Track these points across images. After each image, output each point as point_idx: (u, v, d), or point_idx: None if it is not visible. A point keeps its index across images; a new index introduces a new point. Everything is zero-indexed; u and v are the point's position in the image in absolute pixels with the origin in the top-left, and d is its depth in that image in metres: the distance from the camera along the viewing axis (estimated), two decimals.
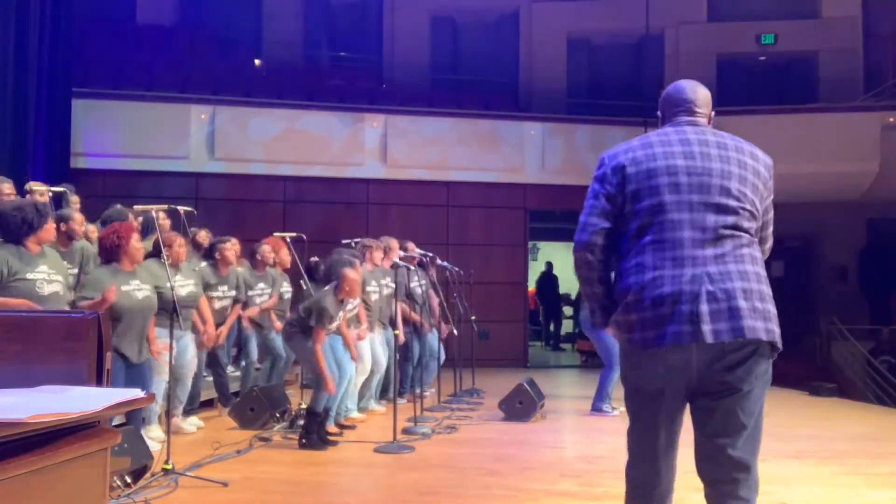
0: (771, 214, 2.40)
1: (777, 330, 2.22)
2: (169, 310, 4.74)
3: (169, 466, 4.30)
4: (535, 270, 15.31)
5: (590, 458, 5.19)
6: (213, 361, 6.36)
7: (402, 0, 14.42)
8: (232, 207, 11.17)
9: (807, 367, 11.93)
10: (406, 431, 5.84)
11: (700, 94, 2.44)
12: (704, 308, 2.14)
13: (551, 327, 15.76)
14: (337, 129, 11.85)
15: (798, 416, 7.50)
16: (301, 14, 14.54)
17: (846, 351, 12.23)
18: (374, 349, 6.42)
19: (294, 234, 7.05)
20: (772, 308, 2.23)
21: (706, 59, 14.18)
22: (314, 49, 14.73)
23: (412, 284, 7.07)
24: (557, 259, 15.53)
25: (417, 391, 6.78)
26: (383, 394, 7.10)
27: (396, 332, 5.93)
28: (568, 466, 4.98)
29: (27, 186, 6.18)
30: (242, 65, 13.71)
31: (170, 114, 11.34)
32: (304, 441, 5.30)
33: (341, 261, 5.53)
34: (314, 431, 5.32)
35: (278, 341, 6.64)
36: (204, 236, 6.80)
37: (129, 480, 4.04)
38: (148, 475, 4.20)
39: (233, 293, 6.29)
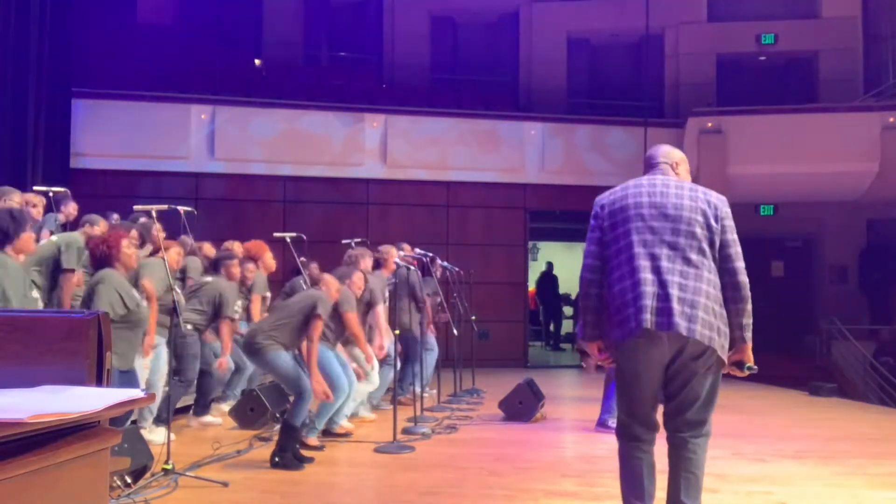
0: (729, 237, 2.91)
1: (700, 330, 2.77)
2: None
3: (169, 466, 4.30)
4: (535, 270, 15.31)
5: (590, 458, 5.19)
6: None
7: (402, 0, 14.42)
8: (232, 207, 11.18)
9: (807, 367, 11.93)
10: (406, 431, 5.83)
11: (665, 150, 3.14)
12: (655, 306, 2.79)
13: (551, 327, 15.75)
14: (337, 129, 11.85)
15: (798, 416, 7.50)
16: (301, 14, 14.54)
17: (846, 351, 12.22)
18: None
19: (294, 235, 7.03)
20: (703, 315, 2.78)
21: (706, 59, 14.19)
22: (314, 49, 14.74)
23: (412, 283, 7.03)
24: (557, 259, 15.53)
25: (417, 391, 6.74)
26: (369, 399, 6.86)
27: (397, 332, 5.92)
28: (568, 466, 4.98)
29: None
30: (242, 65, 13.72)
31: (170, 114, 11.35)
32: (277, 459, 4.73)
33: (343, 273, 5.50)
34: (289, 449, 4.78)
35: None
36: (209, 249, 6.83)
37: (129, 480, 4.04)
38: (148, 475, 4.20)
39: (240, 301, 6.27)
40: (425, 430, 5.92)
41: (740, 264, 2.89)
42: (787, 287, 14.01)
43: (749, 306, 2.89)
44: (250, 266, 6.50)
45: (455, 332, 7.21)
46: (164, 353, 5.36)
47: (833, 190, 12.16)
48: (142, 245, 5.65)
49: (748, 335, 2.89)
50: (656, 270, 2.82)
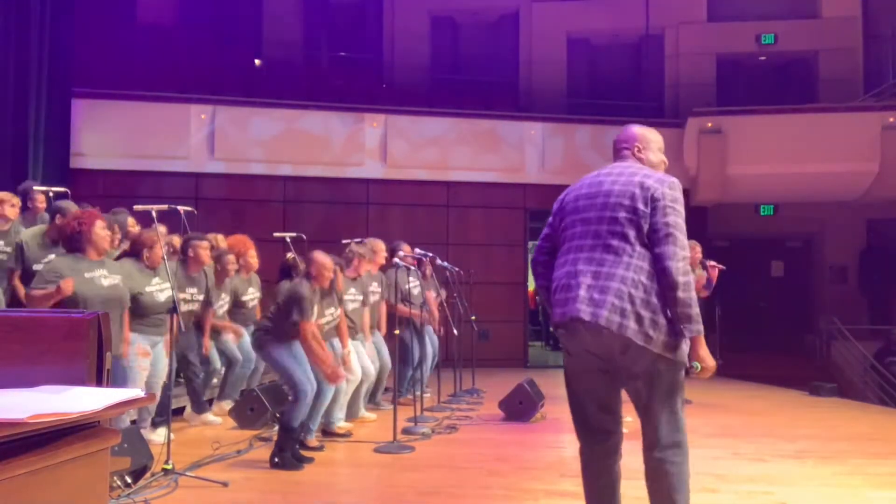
0: (660, 219, 2.65)
1: (607, 315, 2.60)
2: (145, 314, 4.99)
3: (169, 466, 4.30)
4: None
5: None
6: (184, 366, 6.04)
7: (402, 0, 14.42)
8: (232, 207, 11.17)
9: (807, 367, 11.93)
10: (406, 431, 5.84)
11: (629, 133, 3.03)
12: (565, 297, 2.75)
13: (551, 327, 15.74)
14: (337, 129, 11.85)
15: (798, 416, 7.50)
16: (301, 14, 14.54)
17: (846, 351, 12.23)
18: (360, 358, 6.12)
19: (294, 234, 7.03)
20: (613, 300, 2.60)
21: (706, 59, 14.19)
22: (314, 49, 14.72)
23: (410, 286, 7.02)
24: None
25: (417, 392, 6.74)
26: (371, 398, 6.87)
27: (396, 332, 5.93)
28: (568, 466, 4.97)
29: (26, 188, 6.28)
30: (242, 65, 13.71)
31: (170, 114, 11.34)
32: (276, 460, 4.74)
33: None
34: (288, 449, 4.78)
35: (229, 343, 6.43)
36: (177, 240, 6.71)
37: (129, 480, 4.04)
38: (148, 475, 4.20)
39: (201, 296, 5.95)
40: (425, 430, 5.92)
41: (670, 248, 2.59)
42: (787, 287, 14.02)
43: (681, 294, 2.56)
44: (230, 258, 6.43)
45: (455, 332, 7.21)
46: (163, 352, 5.29)
47: (833, 190, 12.16)
48: (121, 239, 5.60)
49: (690, 327, 2.59)
50: (574, 262, 2.76)
